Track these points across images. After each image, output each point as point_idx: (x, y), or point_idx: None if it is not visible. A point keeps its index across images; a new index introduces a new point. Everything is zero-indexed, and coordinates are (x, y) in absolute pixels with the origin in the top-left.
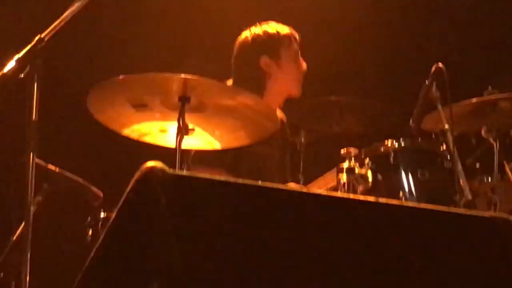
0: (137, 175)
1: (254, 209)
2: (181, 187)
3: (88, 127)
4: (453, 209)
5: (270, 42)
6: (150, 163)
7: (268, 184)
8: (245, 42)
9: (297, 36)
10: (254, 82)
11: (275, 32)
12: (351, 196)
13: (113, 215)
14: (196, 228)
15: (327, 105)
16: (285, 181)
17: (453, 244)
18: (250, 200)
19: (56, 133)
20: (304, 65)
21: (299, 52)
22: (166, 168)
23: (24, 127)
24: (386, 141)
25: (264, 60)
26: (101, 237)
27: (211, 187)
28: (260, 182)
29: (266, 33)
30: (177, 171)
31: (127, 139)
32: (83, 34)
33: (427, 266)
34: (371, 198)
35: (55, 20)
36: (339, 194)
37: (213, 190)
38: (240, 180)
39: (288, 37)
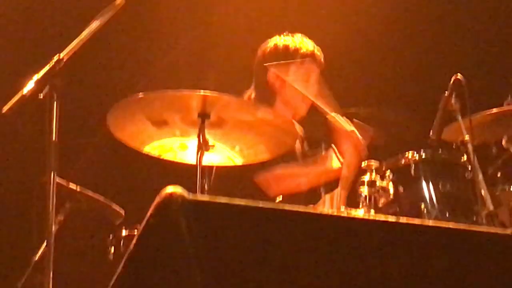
0: (156, 200)
1: (276, 233)
2: (201, 212)
3: (108, 146)
4: (474, 227)
5: (283, 56)
6: (170, 188)
7: (288, 207)
8: (263, 50)
9: (318, 56)
10: (266, 92)
11: (293, 47)
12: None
13: (133, 241)
14: (217, 253)
15: (347, 117)
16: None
17: (476, 263)
18: (271, 224)
19: (77, 152)
20: (315, 88)
21: (317, 73)
22: (185, 193)
23: (45, 147)
24: (406, 153)
25: (272, 73)
26: (122, 264)
27: (232, 212)
28: (280, 204)
29: (284, 46)
30: (197, 196)
31: (148, 157)
32: (101, 53)
33: (450, 285)
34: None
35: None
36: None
37: (234, 214)
38: (261, 204)
39: (305, 55)
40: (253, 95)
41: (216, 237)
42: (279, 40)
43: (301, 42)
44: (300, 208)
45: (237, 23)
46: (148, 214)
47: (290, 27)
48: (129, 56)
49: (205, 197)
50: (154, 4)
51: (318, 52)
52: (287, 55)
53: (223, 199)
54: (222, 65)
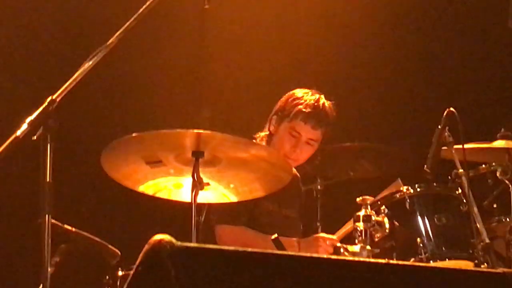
0: (145, 248)
1: (266, 278)
2: (190, 259)
3: (103, 186)
4: (465, 268)
5: (281, 110)
6: (158, 236)
7: (278, 252)
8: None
9: (311, 117)
10: (268, 136)
11: (294, 103)
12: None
13: None
14: None
15: (342, 151)
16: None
17: None
18: (261, 270)
19: (71, 192)
20: (300, 148)
21: (304, 133)
22: (174, 240)
23: (39, 188)
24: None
25: (272, 118)
26: None
27: (221, 258)
28: (270, 250)
29: (288, 101)
30: (185, 244)
31: (143, 195)
32: (94, 93)
33: None
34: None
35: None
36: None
37: (223, 260)
38: (249, 249)
39: (297, 113)
40: (264, 141)
41: (206, 283)
42: (296, 92)
43: (310, 98)
44: (291, 252)
45: (231, 61)
46: (138, 261)
47: (285, 63)
48: (122, 96)
49: (193, 244)
50: (147, 43)
51: (316, 112)
52: (287, 107)
53: (212, 246)
54: (216, 102)
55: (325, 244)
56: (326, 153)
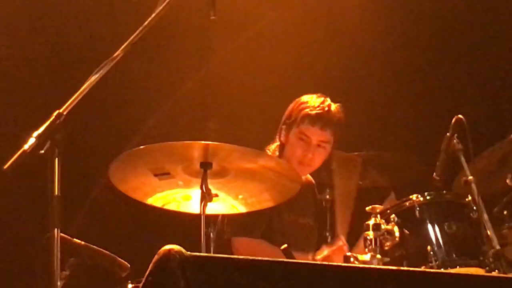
0: (155, 258)
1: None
2: (200, 269)
3: (111, 198)
4: (481, 273)
5: (290, 118)
6: (167, 246)
7: (287, 260)
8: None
9: (318, 118)
10: (278, 148)
11: (301, 108)
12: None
13: None
14: None
15: (351, 161)
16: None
17: None
18: (271, 279)
19: (80, 206)
20: (312, 151)
21: (313, 136)
22: (183, 250)
23: (48, 202)
24: (410, 195)
25: (281, 128)
26: None
27: (232, 267)
28: (282, 259)
29: (295, 108)
30: (195, 253)
31: (152, 208)
32: (101, 106)
33: None
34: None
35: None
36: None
37: (234, 269)
38: (259, 258)
39: (304, 117)
40: (277, 152)
41: None
42: (302, 98)
43: (313, 102)
44: (302, 261)
45: (237, 72)
46: (148, 271)
47: (293, 74)
48: (130, 109)
49: (203, 254)
50: (153, 55)
51: (322, 113)
52: (294, 114)
53: (221, 255)
54: (223, 113)
55: (338, 255)
56: (336, 163)
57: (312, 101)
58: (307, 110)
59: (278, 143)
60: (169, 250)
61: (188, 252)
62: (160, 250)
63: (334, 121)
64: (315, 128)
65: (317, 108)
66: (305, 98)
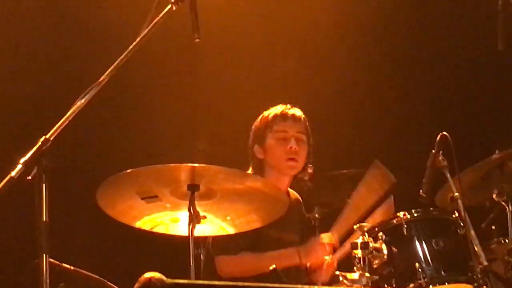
0: (136, 286)
1: None
2: None
3: (99, 223)
4: None
5: (260, 130)
6: (148, 274)
7: (268, 285)
8: (250, 134)
9: (287, 113)
10: (258, 171)
11: (266, 116)
12: None
13: None
14: None
15: (339, 178)
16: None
17: None
18: None
19: (69, 231)
20: (293, 143)
21: (289, 129)
22: (164, 278)
23: (36, 228)
24: (398, 213)
25: (257, 149)
26: None
27: None
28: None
29: (261, 120)
30: (175, 280)
31: (140, 231)
32: (87, 131)
33: None
34: None
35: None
36: None
37: None
38: (241, 283)
39: (273, 118)
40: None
41: None
42: (259, 117)
43: (275, 109)
44: (286, 285)
45: (223, 93)
46: None
47: (279, 96)
48: (116, 133)
49: (183, 281)
50: (139, 78)
51: (285, 109)
52: (262, 127)
53: (202, 282)
54: (209, 135)
55: (324, 248)
56: (323, 181)
57: (274, 108)
58: (273, 113)
59: (255, 163)
60: (150, 278)
61: (169, 280)
62: (141, 277)
63: (302, 115)
64: (289, 122)
65: (282, 108)
66: (265, 112)
